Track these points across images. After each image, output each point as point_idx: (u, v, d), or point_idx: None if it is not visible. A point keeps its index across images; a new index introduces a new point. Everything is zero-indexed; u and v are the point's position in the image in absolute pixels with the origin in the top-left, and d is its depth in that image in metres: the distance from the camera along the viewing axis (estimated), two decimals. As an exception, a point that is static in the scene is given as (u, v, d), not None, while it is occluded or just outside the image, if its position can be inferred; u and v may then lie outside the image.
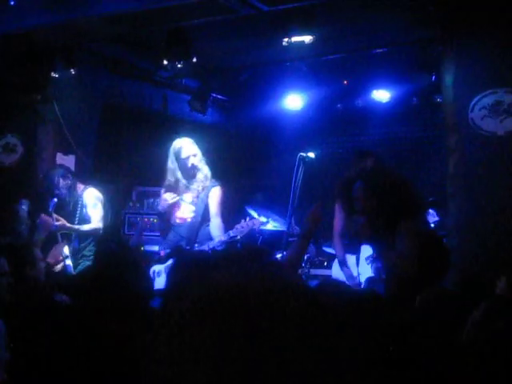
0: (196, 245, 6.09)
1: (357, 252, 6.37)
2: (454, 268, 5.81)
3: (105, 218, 6.92)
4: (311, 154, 5.91)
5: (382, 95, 8.72)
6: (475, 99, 5.71)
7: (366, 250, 5.81)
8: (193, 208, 6.25)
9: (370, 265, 5.50)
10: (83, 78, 7.64)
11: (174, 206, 6.31)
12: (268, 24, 6.54)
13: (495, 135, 5.61)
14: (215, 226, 6.16)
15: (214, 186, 6.28)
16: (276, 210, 8.29)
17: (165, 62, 6.90)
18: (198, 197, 6.25)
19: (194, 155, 6.25)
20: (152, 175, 9.33)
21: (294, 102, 9.10)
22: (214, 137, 10.33)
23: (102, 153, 8.29)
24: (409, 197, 4.62)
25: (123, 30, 6.86)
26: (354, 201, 4.76)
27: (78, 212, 6.74)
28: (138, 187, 8.90)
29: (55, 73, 7.35)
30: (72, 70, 7.30)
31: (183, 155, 6.26)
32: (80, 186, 6.85)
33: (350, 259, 6.27)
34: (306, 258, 7.96)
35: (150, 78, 8.85)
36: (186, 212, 6.30)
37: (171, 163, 6.34)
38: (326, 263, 7.79)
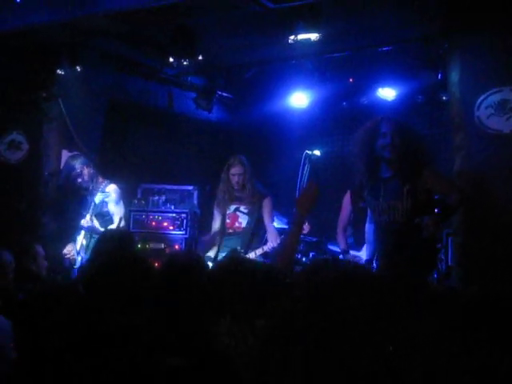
0: (249, 250, 6.62)
1: (359, 249, 6.46)
2: (460, 265, 5.83)
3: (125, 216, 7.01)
4: (317, 152, 5.94)
5: (387, 93, 8.68)
6: (481, 97, 5.70)
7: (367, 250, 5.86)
8: (247, 217, 6.74)
9: None
10: (88, 75, 7.65)
11: (232, 215, 6.81)
12: (274, 21, 6.52)
13: (501, 133, 5.60)
14: (272, 231, 6.69)
15: (265, 197, 6.78)
16: (281, 208, 8.29)
17: (170, 60, 6.90)
18: (251, 207, 6.74)
19: (239, 175, 6.73)
20: (157, 172, 9.35)
21: (299, 99, 9.08)
22: (219, 134, 10.34)
23: (107, 150, 8.29)
24: (425, 146, 5.27)
25: (128, 27, 6.85)
26: (381, 138, 5.15)
27: (98, 206, 6.68)
28: (143, 184, 8.90)
29: (60, 70, 7.37)
30: (77, 68, 7.31)
31: (231, 172, 6.78)
32: (101, 179, 6.81)
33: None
34: (310, 255, 8.01)
35: (156, 75, 8.85)
36: (241, 222, 6.78)
37: (223, 174, 6.85)
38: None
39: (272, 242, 6.47)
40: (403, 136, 5.13)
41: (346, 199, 6.58)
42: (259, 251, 6.49)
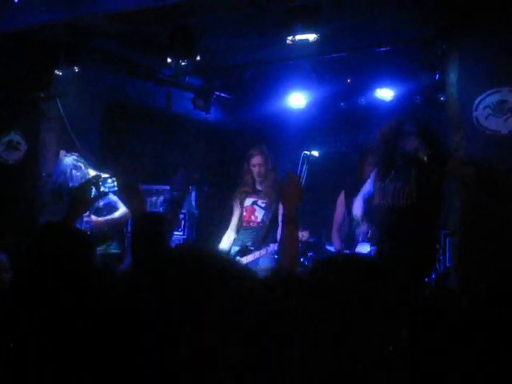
0: (262, 248, 6.48)
1: (353, 248, 6.50)
2: (458, 266, 5.83)
3: None
4: (315, 153, 5.97)
5: (385, 93, 8.68)
6: (479, 98, 5.70)
7: (362, 248, 5.89)
8: (263, 212, 6.65)
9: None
10: (87, 75, 7.64)
11: (249, 208, 6.74)
12: (272, 22, 6.52)
13: (499, 134, 5.60)
14: None
15: None
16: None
17: (168, 60, 6.90)
18: (269, 202, 6.66)
19: (259, 165, 6.68)
20: (155, 173, 9.35)
21: (297, 100, 9.08)
22: (218, 135, 10.34)
23: (105, 151, 8.29)
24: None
25: (127, 27, 6.85)
26: (406, 137, 5.33)
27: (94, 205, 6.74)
28: (141, 185, 8.90)
29: (59, 70, 7.36)
30: (75, 68, 7.30)
31: (252, 163, 6.74)
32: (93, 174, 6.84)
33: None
34: (308, 255, 8.01)
35: (154, 76, 8.84)
36: (257, 216, 6.70)
37: (245, 165, 6.83)
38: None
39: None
40: (428, 137, 5.20)
41: (340, 200, 6.66)
42: (263, 252, 6.41)
